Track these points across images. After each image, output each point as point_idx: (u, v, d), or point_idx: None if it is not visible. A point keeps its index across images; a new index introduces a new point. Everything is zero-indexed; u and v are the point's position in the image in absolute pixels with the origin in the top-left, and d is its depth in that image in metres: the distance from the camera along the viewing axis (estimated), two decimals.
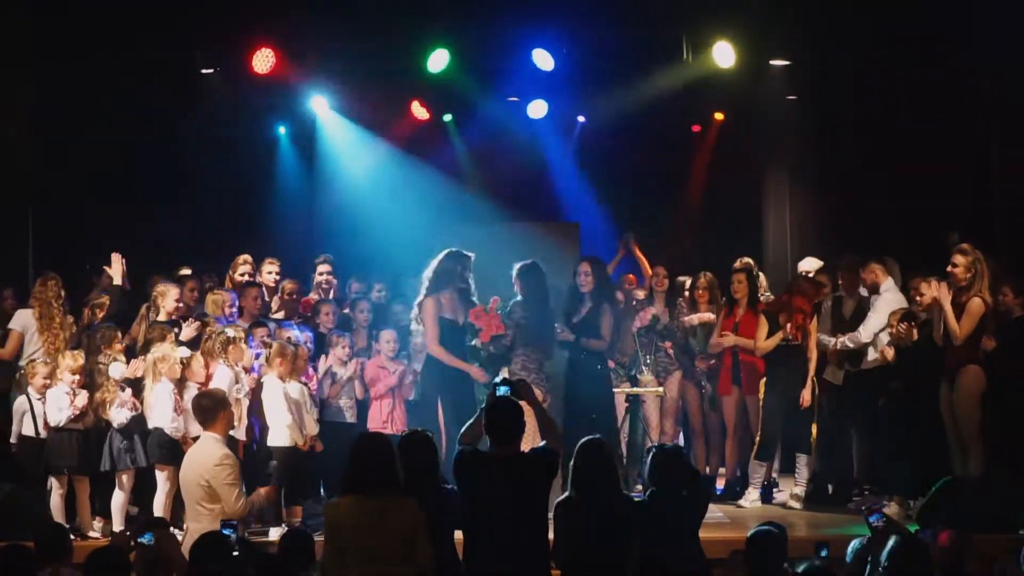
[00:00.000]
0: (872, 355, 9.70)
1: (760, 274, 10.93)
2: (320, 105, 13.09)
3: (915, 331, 9.26)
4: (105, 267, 9.67)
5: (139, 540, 6.34)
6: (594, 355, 9.54)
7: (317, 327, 10.04)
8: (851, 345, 9.79)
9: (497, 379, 7.27)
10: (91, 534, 8.82)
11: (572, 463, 6.57)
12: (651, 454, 6.81)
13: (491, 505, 6.29)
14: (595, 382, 9.52)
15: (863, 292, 10.00)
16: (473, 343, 9.34)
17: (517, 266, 9.49)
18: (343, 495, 6.14)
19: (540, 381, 9.27)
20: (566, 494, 6.59)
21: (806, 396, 9.75)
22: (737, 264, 10.62)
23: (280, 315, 10.20)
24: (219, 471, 7.36)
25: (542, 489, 6.51)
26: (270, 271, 10.53)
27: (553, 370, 9.63)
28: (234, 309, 9.78)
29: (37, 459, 8.91)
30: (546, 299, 9.45)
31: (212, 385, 8.89)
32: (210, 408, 7.59)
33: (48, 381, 8.92)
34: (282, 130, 13.79)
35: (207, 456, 7.45)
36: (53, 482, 8.83)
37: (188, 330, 9.30)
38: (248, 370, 9.22)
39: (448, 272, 9.38)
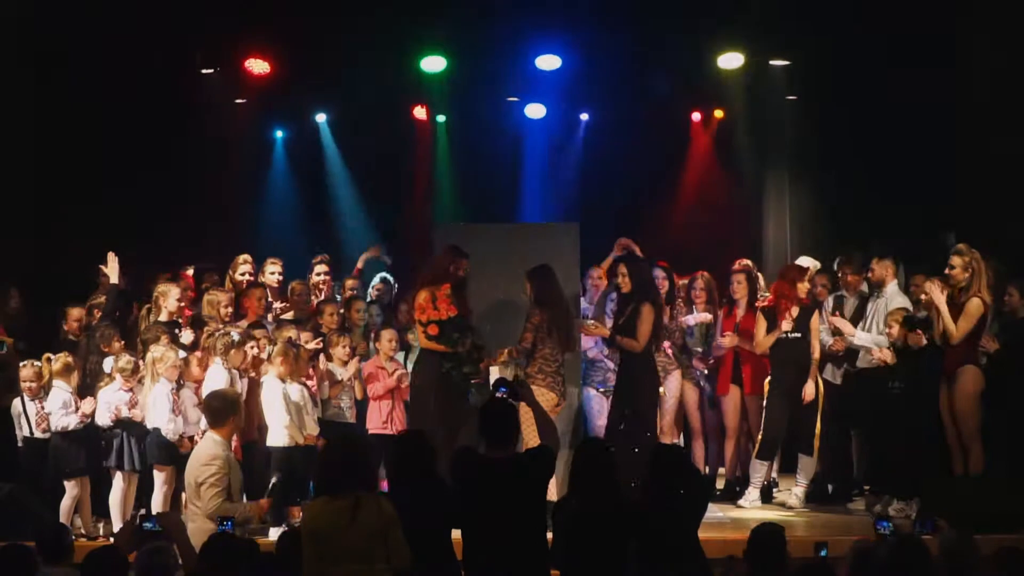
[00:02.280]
0: (873, 355, 9.69)
1: (759, 275, 10.94)
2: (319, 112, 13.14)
3: (922, 336, 9.25)
4: (101, 266, 9.66)
5: (143, 527, 6.37)
6: (634, 354, 9.54)
7: (320, 328, 10.03)
8: (853, 341, 9.80)
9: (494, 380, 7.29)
10: (89, 534, 8.83)
11: (572, 463, 6.56)
12: (650, 454, 6.81)
13: (488, 506, 6.28)
14: (636, 380, 9.50)
15: (864, 289, 9.99)
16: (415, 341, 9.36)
17: (528, 270, 9.49)
18: (316, 496, 6.15)
19: (556, 384, 9.25)
20: (565, 495, 6.60)
21: (808, 390, 9.74)
22: (736, 266, 10.65)
23: (289, 315, 10.20)
24: (204, 470, 7.50)
25: (539, 489, 6.50)
26: (273, 271, 10.52)
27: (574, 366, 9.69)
28: (231, 309, 9.76)
29: (39, 460, 8.91)
30: (558, 298, 9.43)
31: (207, 385, 8.88)
32: (220, 410, 7.59)
33: (35, 384, 8.91)
34: (279, 133, 13.80)
35: (201, 455, 7.60)
36: (67, 486, 8.82)
37: (187, 334, 9.30)
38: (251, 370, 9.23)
39: (442, 269, 9.38)
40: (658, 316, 9.58)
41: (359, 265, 11.45)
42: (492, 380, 9.09)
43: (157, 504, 8.65)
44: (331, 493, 5.97)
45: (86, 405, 8.84)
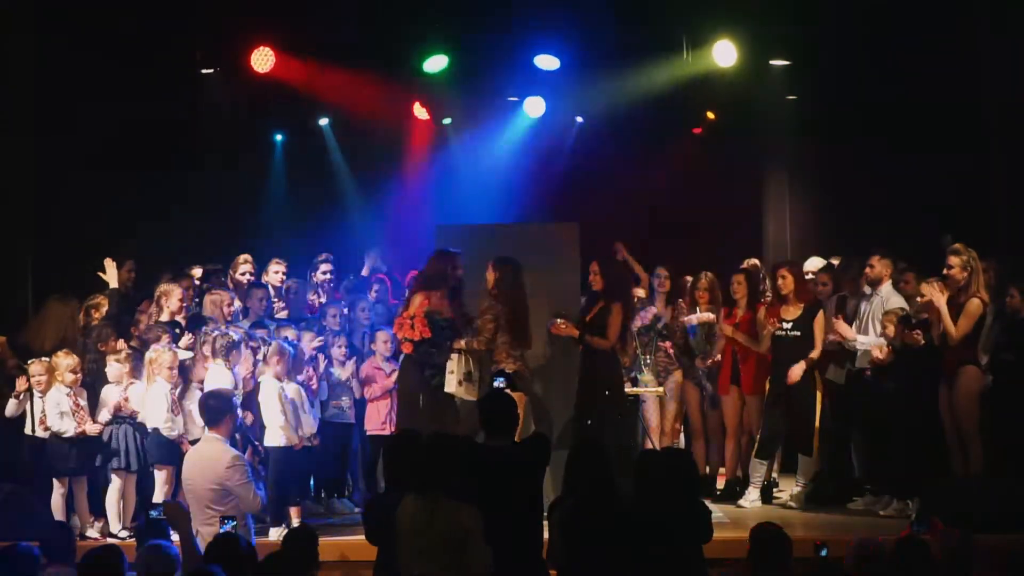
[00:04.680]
0: (871, 355, 9.69)
1: (765, 275, 10.94)
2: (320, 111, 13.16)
3: (919, 335, 9.24)
4: (100, 273, 9.64)
5: (149, 515, 6.41)
6: (601, 353, 9.55)
7: (323, 328, 10.02)
8: (855, 346, 9.80)
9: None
10: (89, 533, 8.83)
11: (567, 463, 6.58)
12: (656, 457, 6.81)
13: (488, 496, 6.31)
14: (600, 379, 9.50)
15: (866, 290, 9.99)
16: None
17: (494, 259, 9.50)
18: (408, 494, 6.19)
19: (524, 370, 9.28)
20: (561, 494, 6.61)
21: (795, 372, 9.70)
22: (744, 265, 10.68)
23: (284, 314, 10.20)
24: (232, 473, 7.28)
25: (537, 477, 6.55)
26: (277, 271, 10.52)
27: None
28: (233, 309, 9.76)
29: (37, 460, 8.91)
30: (520, 294, 9.41)
31: (208, 385, 8.87)
32: (216, 409, 7.51)
33: (45, 378, 8.91)
34: (279, 136, 13.81)
35: (215, 459, 7.34)
36: (55, 483, 8.83)
37: (186, 339, 9.29)
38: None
39: (439, 273, 9.38)
40: (627, 316, 9.63)
41: (364, 272, 11.44)
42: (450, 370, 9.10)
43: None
44: (419, 492, 6.04)
45: (89, 426, 8.84)
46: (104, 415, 8.88)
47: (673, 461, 6.62)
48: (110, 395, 8.96)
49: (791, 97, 12.69)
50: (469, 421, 7.33)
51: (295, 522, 8.77)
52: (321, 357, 9.70)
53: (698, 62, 12.28)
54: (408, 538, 6.04)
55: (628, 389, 10.17)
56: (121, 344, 9.17)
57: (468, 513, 6.01)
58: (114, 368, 8.97)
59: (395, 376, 9.71)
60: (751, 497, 9.95)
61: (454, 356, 9.17)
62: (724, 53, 12.04)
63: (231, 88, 12.41)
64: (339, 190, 13.69)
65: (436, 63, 12.22)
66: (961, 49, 11.24)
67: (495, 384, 6.94)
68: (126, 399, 8.88)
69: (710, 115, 13.34)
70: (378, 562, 6.49)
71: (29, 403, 8.91)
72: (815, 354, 9.78)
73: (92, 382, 9.12)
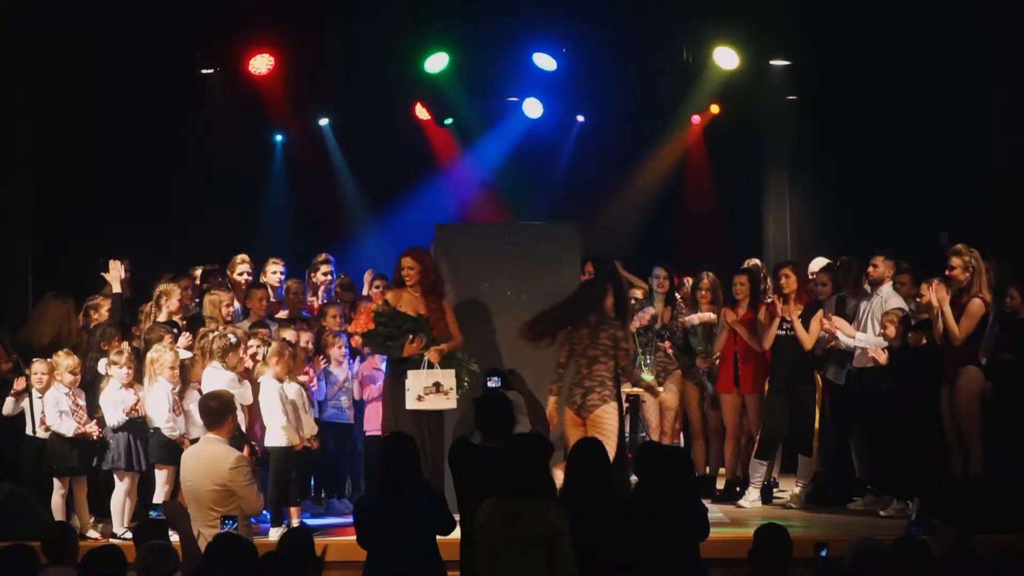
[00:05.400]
0: (868, 355, 9.68)
1: (767, 275, 10.95)
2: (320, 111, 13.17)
3: (923, 337, 9.24)
4: (103, 273, 9.63)
5: (149, 515, 6.39)
6: None
7: (323, 329, 10.00)
8: (852, 342, 9.80)
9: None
10: (89, 534, 8.82)
11: (566, 462, 6.57)
12: (651, 452, 6.81)
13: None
14: None
15: (867, 290, 9.99)
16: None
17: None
18: (491, 495, 6.14)
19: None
20: (559, 494, 6.61)
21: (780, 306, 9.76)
22: (746, 265, 10.68)
23: (284, 314, 10.19)
24: (236, 473, 7.24)
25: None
26: (275, 271, 10.49)
27: None
28: (231, 309, 9.75)
29: (37, 460, 8.90)
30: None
31: (205, 386, 8.87)
32: (217, 411, 7.48)
33: (46, 377, 8.90)
34: (279, 136, 13.82)
35: (219, 460, 7.31)
36: (56, 483, 8.82)
37: (184, 340, 9.28)
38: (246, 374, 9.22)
39: (396, 272, 9.37)
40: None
41: (365, 292, 11.38)
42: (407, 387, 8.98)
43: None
44: (504, 493, 6.00)
45: (90, 428, 8.82)
46: (120, 417, 8.82)
47: (667, 457, 6.63)
48: (117, 398, 8.91)
49: (791, 97, 12.69)
50: (464, 422, 7.30)
51: (295, 522, 8.77)
52: (320, 357, 9.69)
53: (698, 63, 12.29)
54: (490, 539, 5.95)
55: (628, 389, 10.18)
56: (124, 345, 9.16)
57: (556, 513, 5.95)
58: (120, 372, 8.91)
59: None
60: (751, 497, 9.95)
61: (411, 373, 8.96)
62: (724, 57, 12.06)
63: (231, 88, 12.40)
64: (339, 190, 13.68)
65: (437, 62, 12.23)
66: (961, 47, 11.23)
67: (489, 383, 6.89)
68: (138, 401, 8.86)
69: (714, 108, 13.29)
70: (368, 564, 6.46)
71: (29, 403, 8.91)
72: (806, 344, 9.78)
73: (92, 381, 9.12)
